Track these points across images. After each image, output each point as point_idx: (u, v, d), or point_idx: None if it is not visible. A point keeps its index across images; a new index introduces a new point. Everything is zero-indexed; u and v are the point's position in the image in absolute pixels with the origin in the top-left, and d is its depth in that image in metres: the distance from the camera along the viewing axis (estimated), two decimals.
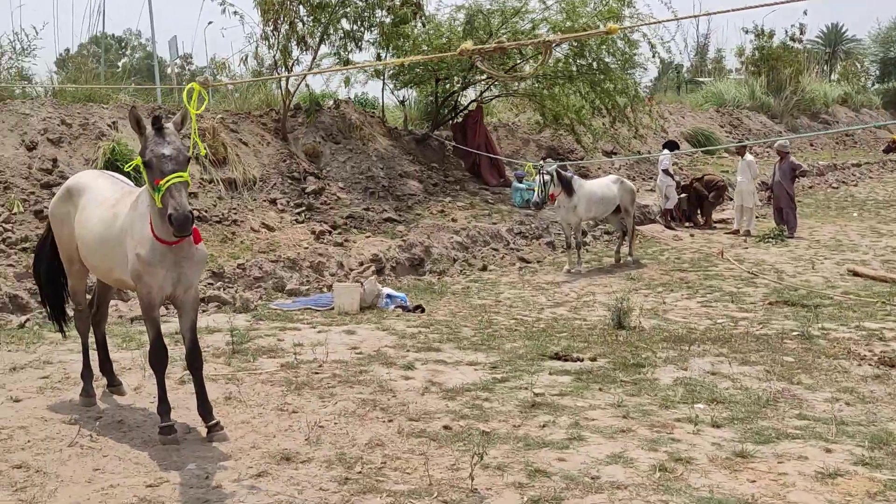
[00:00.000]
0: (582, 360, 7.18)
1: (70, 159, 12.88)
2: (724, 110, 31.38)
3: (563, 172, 12.43)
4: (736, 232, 15.84)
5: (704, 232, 16.32)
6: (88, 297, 6.12)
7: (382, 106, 20.06)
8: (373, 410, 5.65)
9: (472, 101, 19.93)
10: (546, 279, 12.18)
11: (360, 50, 17.95)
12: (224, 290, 10.74)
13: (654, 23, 19.69)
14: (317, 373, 6.70)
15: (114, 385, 6.00)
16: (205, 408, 5.16)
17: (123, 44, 53.19)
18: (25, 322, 8.49)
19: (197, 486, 4.35)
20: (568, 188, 12.24)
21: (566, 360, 7.18)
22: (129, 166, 4.84)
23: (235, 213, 13.75)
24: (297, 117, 17.35)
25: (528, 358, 7.25)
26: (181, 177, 4.46)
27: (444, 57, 14.40)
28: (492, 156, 19.16)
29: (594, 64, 18.57)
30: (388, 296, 10.14)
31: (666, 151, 17.23)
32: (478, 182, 18.76)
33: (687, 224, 16.82)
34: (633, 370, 6.74)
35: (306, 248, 13.39)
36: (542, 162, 12.94)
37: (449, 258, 13.34)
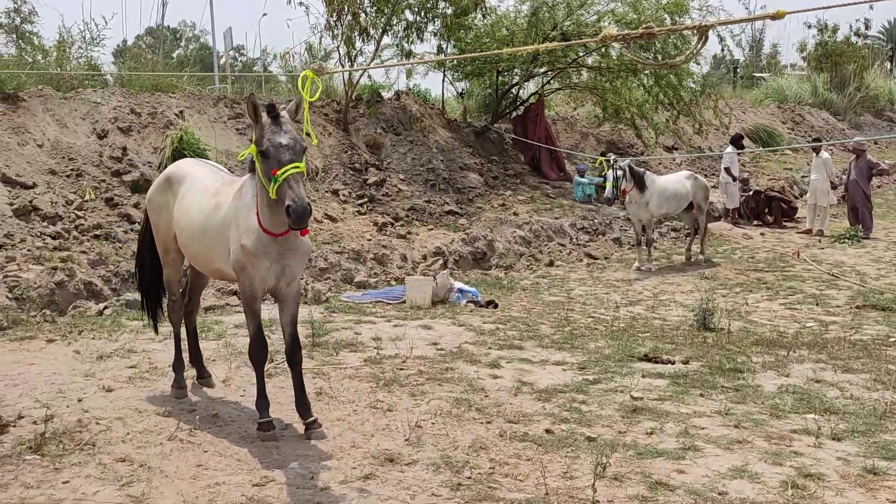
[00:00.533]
0: (674, 363, 6.92)
1: (139, 147, 12.95)
2: (786, 107, 30.55)
3: (635, 167, 12.10)
4: (808, 231, 15.33)
5: (775, 231, 15.82)
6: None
7: (442, 98, 19.88)
8: (468, 410, 5.46)
9: (533, 94, 19.64)
10: (616, 276, 11.88)
11: (422, 41, 17.80)
12: None
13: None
14: (402, 369, 6.54)
15: (203, 377, 5.90)
16: (303, 404, 5.02)
17: (178, 35, 53.89)
18: (104, 309, 8.48)
19: (303, 486, 4.20)
20: (640, 183, 11.92)
21: (657, 363, 6.92)
22: (242, 155, 4.69)
23: None
24: (358, 108, 17.27)
25: (616, 359, 7.00)
26: (298, 167, 4.31)
27: (539, 49, 14.10)
28: (553, 148, 18.88)
29: (659, 57, 18.12)
30: (460, 290, 9.96)
31: (730, 148, 16.73)
32: (537, 176, 18.49)
33: (756, 222, 16.33)
34: (731, 375, 6.45)
35: (369, 239, 13.29)
36: (613, 156, 12.59)
37: (515, 253, 13.11)
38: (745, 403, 5.72)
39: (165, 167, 12.18)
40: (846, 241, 14.30)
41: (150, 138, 13.19)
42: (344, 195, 14.82)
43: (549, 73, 19.14)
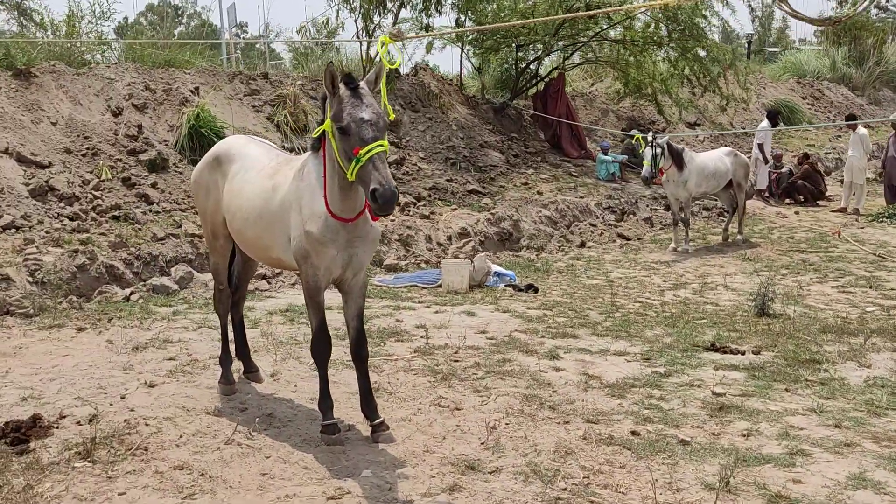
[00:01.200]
0: (744, 353, 6.50)
1: (154, 125, 12.45)
2: (805, 82, 29.90)
3: (674, 145, 11.63)
4: (843, 210, 14.88)
5: (808, 210, 15.36)
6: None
7: (460, 74, 19.32)
8: (540, 409, 5.05)
9: (554, 69, 19.09)
10: (652, 258, 11.46)
11: (440, 14, 17.29)
12: None
13: None
14: (456, 360, 6.13)
15: (251, 371, 5.49)
16: (370, 404, 4.59)
17: (179, 11, 53.05)
18: (130, 295, 8.06)
19: (382, 499, 3.79)
20: (679, 161, 11.46)
21: (725, 353, 6.50)
22: (317, 132, 4.20)
23: None
24: (375, 85, 16.75)
25: (680, 348, 6.59)
26: (382, 145, 3.82)
27: (565, 19, 13.55)
28: (574, 125, 18.36)
29: (686, 29, 17.56)
30: (497, 274, 9.54)
31: (765, 123, 16.22)
32: (558, 154, 18.02)
33: (787, 201, 15.87)
34: (810, 367, 6.03)
35: (392, 220, 12.83)
36: (652, 133, 12.12)
37: (545, 234, 12.68)
38: (836, 399, 5.30)
39: (183, 146, 11.88)
40: (885, 219, 13.85)
41: (165, 115, 12.68)
42: None
43: (571, 47, 18.59)
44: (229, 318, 5.43)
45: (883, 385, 5.56)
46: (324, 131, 4.16)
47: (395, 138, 15.78)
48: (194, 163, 12.01)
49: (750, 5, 24.56)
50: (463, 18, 18.01)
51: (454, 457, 4.27)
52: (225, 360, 5.33)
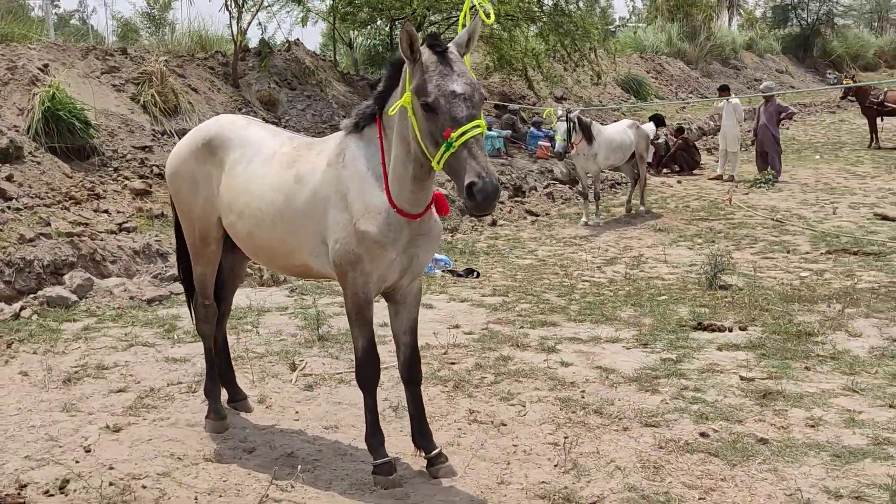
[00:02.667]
0: (731, 330, 6.30)
1: (1, 109, 10.70)
2: (647, 56, 31.11)
3: (583, 118, 11.43)
4: (719, 177, 15.41)
5: (687, 178, 15.81)
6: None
7: (334, 49, 18.30)
8: (586, 414, 4.52)
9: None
10: (567, 233, 11.24)
11: None
12: None
13: None
14: (452, 363, 5.48)
15: (238, 399, 4.57)
16: (424, 433, 3.86)
17: None
18: (21, 311, 6.74)
19: None
20: (588, 135, 11.27)
21: (713, 331, 6.28)
22: (394, 108, 3.28)
23: None
24: (247, 61, 15.51)
25: (668, 329, 6.29)
26: (479, 126, 3.02)
27: None
28: None
29: (558, 4, 17.54)
30: (433, 259, 8.92)
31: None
32: None
33: (665, 171, 16.25)
34: (805, 341, 5.90)
35: None
36: (565, 108, 11.86)
37: (454, 213, 12.14)
38: (859, 374, 5.13)
39: (37, 131, 10.25)
40: (762, 185, 14.46)
41: (12, 97, 10.92)
42: None
43: (446, 21, 18.07)
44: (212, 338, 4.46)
45: (892, 356, 5.51)
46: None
47: (274, 118, 14.67)
48: (53, 151, 10.44)
49: None
50: None
51: (537, 487, 3.65)
52: (213, 391, 4.37)
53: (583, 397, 4.80)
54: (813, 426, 4.32)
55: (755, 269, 8.25)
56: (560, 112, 11.34)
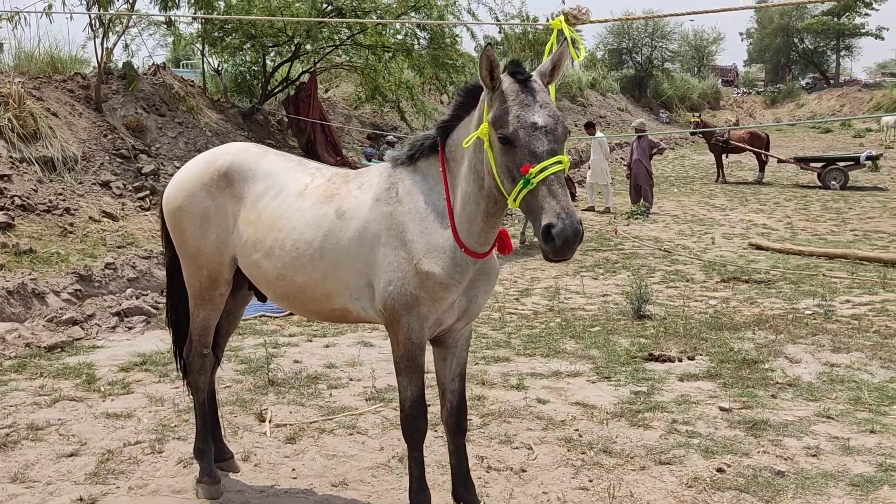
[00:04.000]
0: (681, 360, 6.41)
1: None
2: None
3: None
4: (592, 209, 15.98)
5: None
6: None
7: (203, 75, 17.45)
8: (596, 454, 4.36)
9: (304, 73, 18.10)
10: None
11: (178, 7, 15.46)
12: (114, 297, 8.45)
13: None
14: (428, 404, 5.18)
15: (224, 458, 4.03)
16: (469, 488, 3.53)
17: None
18: None
19: None
20: None
21: (664, 361, 6.36)
22: (469, 141, 2.93)
23: (64, 200, 11.08)
24: (111, 84, 14.47)
25: (621, 362, 6.31)
26: (561, 162, 2.76)
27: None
28: (329, 131, 17.55)
29: (435, 38, 17.68)
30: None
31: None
32: (316, 161, 17.12)
33: None
34: (755, 368, 6.09)
35: None
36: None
37: None
38: (823, 401, 5.34)
39: None
40: (638, 216, 15.12)
41: None
42: (118, 188, 12.22)
43: (322, 50, 17.74)
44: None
45: (838, 379, 5.77)
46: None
47: (143, 146, 13.75)
48: None
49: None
50: (197, 11, 16.26)
51: None
52: (206, 451, 3.84)
53: (580, 436, 4.66)
54: (814, 455, 4.40)
55: (683, 300, 8.50)
56: None
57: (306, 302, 3.40)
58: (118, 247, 10.30)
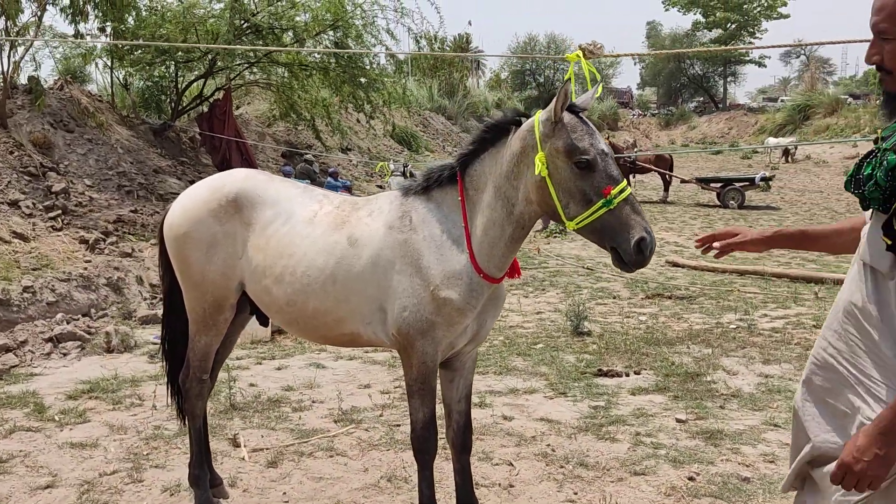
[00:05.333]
0: (628, 375, 6.68)
1: None
2: (413, 110, 32.35)
3: (414, 171, 11.59)
4: None
5: None
6: None
7: (112, 90, 16.87)
8: (573, 468, 4.50)
9: (219, 89, 17.79)
10: None
11: (86, 21, 15.00)
12: (30, 320, 8.11)
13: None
14: (397, 425, 5.23)
15: (214, 485, 3.94)
16: None
17: None
18: None
19: None
20: None
21: (613, 376, 6.61)
22: (541, 168, 2.93)
23: None
24: (16, 99, 13.87)
25: (573, 378, 6.52)
26: (625, 183, 2.95)
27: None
28: (244, 148, 17.31)
29: (352, 58, 17.75)
30: None
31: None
32: None
33: None
34: (698, 381, 6.42)
35: (88, 261, 10.76)
36: (401, 161, 11.92)
37: None
38: (766, 410, 5.68)
39: None
40: (557, 234, 15.56)
41: None
42: (27, 207, 11.71)
43: (238, 67, 17.51)
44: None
45: (777, 390, 6.16)
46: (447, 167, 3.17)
47: (52, 163, 13.22)
48: None
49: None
50: (107, 26, 15.81)
51: None
52: (202, 478, 3.76)
53: (554, 451, 4.80)
54: (772, 462, 4.69)
55: (616, 317, 8.80)
56: (393, 166, 11.40)
57: (318, 327, 3.41)
58: (33, 269, 9.85)
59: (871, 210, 2.09)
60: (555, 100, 2.97)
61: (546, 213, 3.11)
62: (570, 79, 3.13)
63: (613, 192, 2.88)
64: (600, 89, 3.32)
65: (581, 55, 3.49)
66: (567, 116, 3.01)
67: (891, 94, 2.09)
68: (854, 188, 2.10)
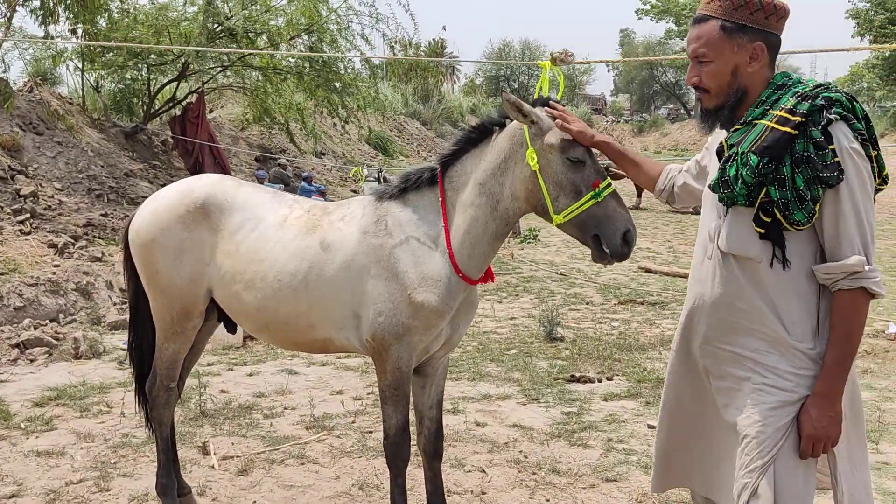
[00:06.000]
0: (601, 381, 6.70)
1: None
2: (388, 115, 32.32)
3: (388, 177, 11.57)
4: None
5: None
6: None
7: (83, 93, 16.66)
8: (546, 474, 4.51)
9: (192, 92, 17.64)
10: None
11: (56, 22, 14.85)
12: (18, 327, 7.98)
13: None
14: (369, 431, 5.21)
15: (182, 493, 3.89)
16: None
17: None
18: None
19: None
20: None
21: (586, 382, 6.63)
22: (532, 160, 3.00)
23: None
24: None
25: (546, 384, 6.53)
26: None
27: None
28: (217, 152, 17.17)
29: (327, 63, 17.69)
30: None
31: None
32: None
33: None
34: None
35: (56, 265, 10.64)
36: (376, 166, 11.89)
37: None
38: None
39: None
40: (530, 240, 15.61)
41: None
42: None
43: (211, 70, 17.37)
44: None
45: None
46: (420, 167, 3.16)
47: (19, 165, 13.03)
48: None
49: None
50: (78, 27, 15.64)
51: None
52: (169, 487, 3.71)
53: (526, 457, 4.80)
54: None
55: (589, 322, 8.84)
56: (367, 171, 11.38)
57: (289, 333, 3.39)
58: (0, 273, 9.70)
59: (725, 207, 2.37)
60: (519, 108, 2.98)
61: (531, 208, 3.14)
62: (503, 89, 3.19)
63: (602, 185, 2.95)
64: (560, 91, 3.37)
65: (547, 65, 3.51)
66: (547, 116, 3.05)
67: (707, 110, 2.43)
68: (723, 189, 2.34)
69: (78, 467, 4.42)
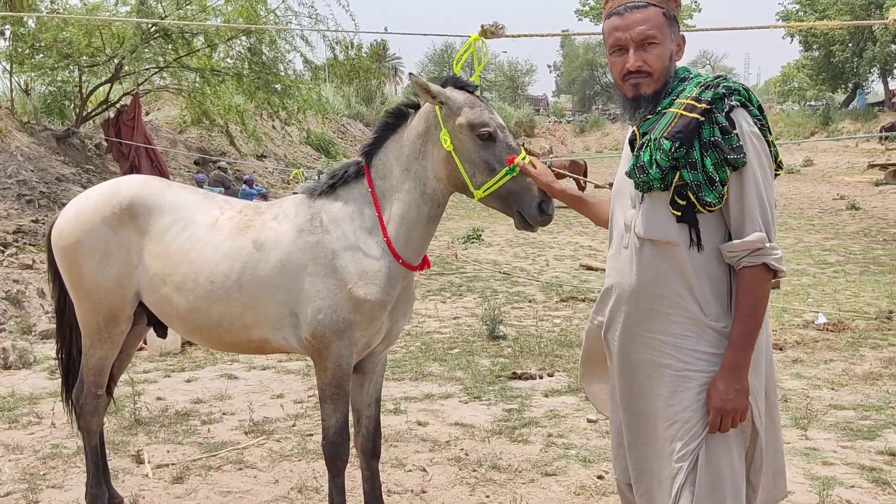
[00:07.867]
0: (542, 377, 6.76)
1: None
2: (330, 117, 32.08)
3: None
4: None
5: None
6: None
7: (11, 96, 16.14)
8: (487, 471, 4.52)
9: (126, 94, 17.24)
10: None
11: None
12: None
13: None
14: (310, 434, 5.16)
15: (114, 502, 3.79)
16: None
17: None
18: None
19: None
20: None
21: (527, 379, 6.68)
22: (445, 141, 3.04)
23: None
24: None
25: (488, 382, 6.56)
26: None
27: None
28: (154, 155, 16.81)
29: (267, 64, 17.48)
30: None
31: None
32: None
33: None
34: None
35: None
36: (318, 169, 11.78)
37: None
38: None
39: None
40: (474, 240, 15.67)
41: None
42: None
43: (147, 71, 17.01)
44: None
45: None
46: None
47: None
48: None
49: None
50: (6, 29, 15.19)
51: None
52: (100, 497, 3.62)
53: (467, 455, 4.81)
54: None
55: (531, 320, 8.91)
56: (307, 173, 11.27)
57: (223, 334, 3.33)
58: None
59: (641, 193, 2.45)
60: (427, 89, 3.04)
61: (454, 188, 3.18)
62: (411, 73, 3.22)
63: (518, 159, 3.00)
64: (483, 63, 3.37)
65: (476, 38, 3.50)
66: (462, 95, 3.09)
67: (644, 96, 2.44)
68: (639, 174, 2.41)
69: (5, 480, 4.28)
